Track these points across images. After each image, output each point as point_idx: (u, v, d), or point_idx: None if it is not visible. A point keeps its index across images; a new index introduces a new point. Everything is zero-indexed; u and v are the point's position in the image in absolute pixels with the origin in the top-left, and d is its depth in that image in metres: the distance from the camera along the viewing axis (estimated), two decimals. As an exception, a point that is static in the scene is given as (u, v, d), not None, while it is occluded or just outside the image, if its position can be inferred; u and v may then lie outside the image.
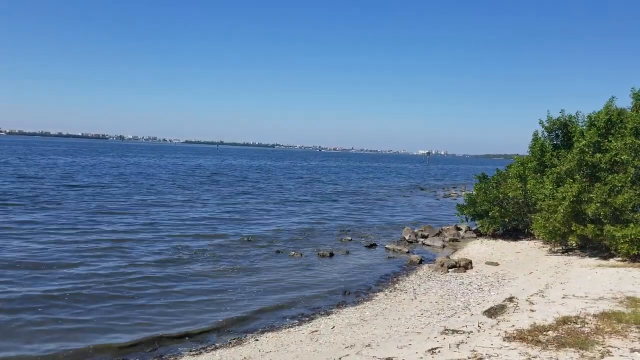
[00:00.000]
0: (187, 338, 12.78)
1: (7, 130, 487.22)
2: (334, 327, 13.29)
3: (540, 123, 25.28)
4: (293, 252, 22.54)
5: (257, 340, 12.50)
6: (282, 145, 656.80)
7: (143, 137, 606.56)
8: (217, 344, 12.33)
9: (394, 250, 24.44)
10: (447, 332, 11.00)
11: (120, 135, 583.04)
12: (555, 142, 25.08)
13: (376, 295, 16.78)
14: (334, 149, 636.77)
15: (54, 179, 51.68)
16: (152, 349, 12.08)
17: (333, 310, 15.21)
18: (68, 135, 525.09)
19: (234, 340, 12.56)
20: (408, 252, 23.88)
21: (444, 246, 26.07)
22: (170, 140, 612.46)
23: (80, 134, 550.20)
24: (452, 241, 27.17)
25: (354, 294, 17.07)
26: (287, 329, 13.41)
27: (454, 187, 71.30)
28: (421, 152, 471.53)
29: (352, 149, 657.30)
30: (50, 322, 13.25)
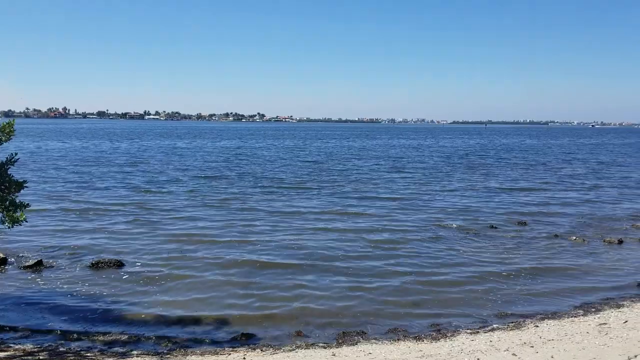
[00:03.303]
0: (462, 317, 13.09)
1: (297, 118, 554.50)
2: (626, 321, 12.05)
3: None
4: (574, 237, 20.94)
5: (537, 326, 12.11)
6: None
7: (412, 120, 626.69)
8: (495, 325, 12.35)
9: None
10: None
11: (392, 119, 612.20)
12: None
13: (681, 291, 14.57)
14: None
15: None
16: (432, 322, 12.72)
17: (625, 303, 13.78)
18: (346, 121, 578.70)
19: (512, 324, 12.39)
20: None
21: None
22: (437, 122, 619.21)
23: (357, 118, 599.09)
24: None
25: (651, 287, 15.12)
26: (571, 318, 12.65)
27: None
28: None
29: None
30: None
